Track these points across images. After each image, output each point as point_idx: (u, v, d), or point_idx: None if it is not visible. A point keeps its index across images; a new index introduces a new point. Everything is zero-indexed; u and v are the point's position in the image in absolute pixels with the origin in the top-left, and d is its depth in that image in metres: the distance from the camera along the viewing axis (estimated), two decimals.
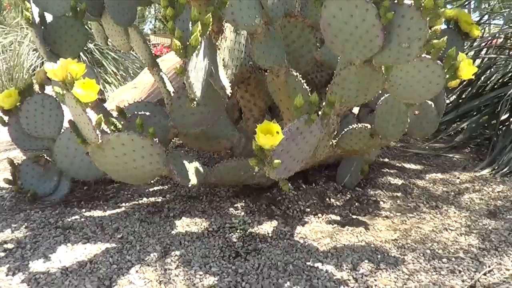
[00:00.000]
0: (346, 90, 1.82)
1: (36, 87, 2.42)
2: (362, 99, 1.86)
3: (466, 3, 4.09)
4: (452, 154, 3.05)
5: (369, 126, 2.08)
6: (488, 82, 3.51)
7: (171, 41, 1.66)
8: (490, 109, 3.32)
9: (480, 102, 3.33)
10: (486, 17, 4.14)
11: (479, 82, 3.54)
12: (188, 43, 1.60)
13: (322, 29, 1.70)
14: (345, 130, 2.11)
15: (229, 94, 1.96)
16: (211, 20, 1.67)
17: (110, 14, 2.19)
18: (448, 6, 4.19)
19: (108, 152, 1.85)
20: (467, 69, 1.76)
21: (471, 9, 4.64)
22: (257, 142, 1.52)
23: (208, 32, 1.68)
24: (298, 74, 2.00)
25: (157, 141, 1.86)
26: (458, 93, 3.55)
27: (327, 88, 1.89)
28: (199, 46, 1.63)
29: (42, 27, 2.22)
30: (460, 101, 3.48)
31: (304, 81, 2.06)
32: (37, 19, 2.21)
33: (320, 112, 1.73)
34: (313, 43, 2.28)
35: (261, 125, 1.52)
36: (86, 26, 2.31)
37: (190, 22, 1.68)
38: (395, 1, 1.61)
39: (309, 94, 2.00)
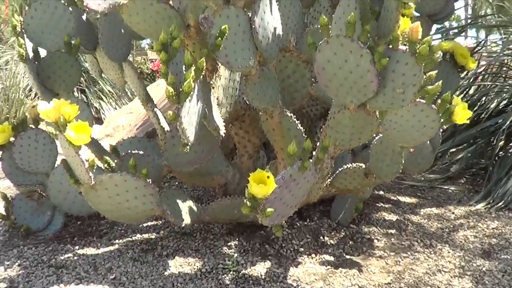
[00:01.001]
0: (340, 134, 1.81)
1: (30, 122, 2.40)
2: (356, 142, 1.86)
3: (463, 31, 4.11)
4: (448, 186, 3.04)
5: (363, 166, 2.07)
6: (484, 110, 3.51)
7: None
8: (485, 139, 3.32)
9: (476, 131, 3.32)
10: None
11: (474, 109, 3.54)
12: (181, 89, 1.59)
13: (316, 73, 1.70)
14: (339, 170, 2.10)
15: (223, 134, 1.96)
16: (204, 65, 1.67)
17: (104, 50, 2.19)
18: None
19: (101, 192, 1.84)
20: (462, 114, 1.76)
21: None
22: (249, 191, 1.51)
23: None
24: (292, 115, 1.99)
25: (150, 182, 1.86)
26: None
27: (321, 130, 1.89)
28: (192, 92, 1.63)
29: (36, 62, 2.22)
30: (456, 129, 3.47)
31: (298, 117, 2.06)
32: (31, 54, 2.20)
33: (313, 158, 1.72)
34: (308, 78, 2.28)
35: (253, 174, 1.51)
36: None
37: (184, 66, 1.68)
38: (390, 46, 1.61)
39: (304, 134, 2.00)
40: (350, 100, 1.68)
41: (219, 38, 1.70)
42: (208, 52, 1.74)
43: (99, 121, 5.25)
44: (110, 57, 2.20)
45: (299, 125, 2.00)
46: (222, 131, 1.95)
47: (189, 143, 1.69)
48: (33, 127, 2.30)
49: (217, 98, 2.07)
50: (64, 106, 1.76)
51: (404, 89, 1.61)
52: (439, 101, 1.75)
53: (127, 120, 3.84)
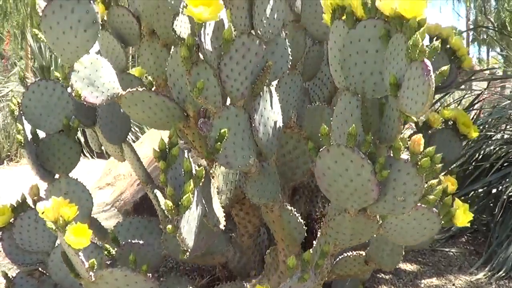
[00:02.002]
0: (341, 234, 1.81)
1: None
2: (357, 242, 1.85)
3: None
4: (449, 248, 3.03)
5: (363, 254, 2.06)
6: (485, 162, 3.49)
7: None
8: (487, 193, 3.31)
9: (478, 186, 3.30)
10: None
11: (476, 158, 3.53)
12: (180, 202, 1.59)
13: (317, 177, 1.69)
14: (340, 257, 2.09)
15: (223, 228, 1.95)
16: (203, 173, 1.66)
17: (103, 134, 2.19)
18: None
19: (102, 286, 1.84)
20: (462, 217, 1.76)
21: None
22: None
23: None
24: (292, 208, 1.99)
25: (150, 276, 1.86)
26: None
27: (319, 234, 1.88)
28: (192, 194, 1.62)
29: (35, 144, 2.21)
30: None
31: (299, 187, 2.05)
32: (30, 136, 2.20)
33: (313, 264, 1.72)
34: (309, 155, 2.27)
35: None
36: None
37: (183, 171, 1.68)
38: (391, 155, 1.61)
39: (304, 226, 2.00)
40: (351, 205, 1.68)
41: (219, 142, 1.69)
42: (207, 154, 1.74)
43: (102, 155, 5.26)
44: (109, 140, 2.20)
45: (299, 218, 2.00)
46: (222, 224, 1.95)
47: (189, 250, 1.69)
48: (33, 207, 2.29)
49: (217, 187, 2.06)
50: (63, 207, 1.76)
51: (405, 197, 1.60)
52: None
53: (128, 169, 3.84)
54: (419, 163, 1.55)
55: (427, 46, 1.49)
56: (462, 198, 3.27)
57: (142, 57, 2.20)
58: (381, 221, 1.75)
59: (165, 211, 1.58)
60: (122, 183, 3.72)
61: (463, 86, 3.87)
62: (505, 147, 3.48)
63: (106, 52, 2.25)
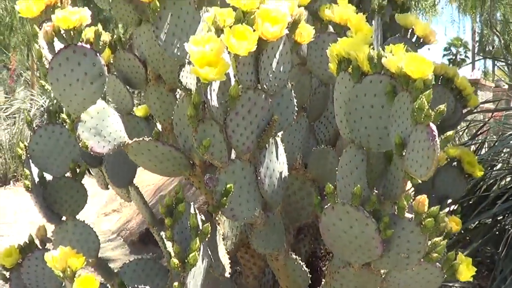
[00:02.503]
0: (344, 286, 1.82)
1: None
2: None
3: None
4: (452, 283, 3.01)
5: None
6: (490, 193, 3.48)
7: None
8: (493, 222, 3.28)
9: (482, 217, 3.28)
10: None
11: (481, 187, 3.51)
12: (186, 260, 1.60)
13: (322, 232, 1.71)
14: None
15: (228, 275, 1.96)
16: (209, 229, 1.67)
17: (109, 178, 2.20)
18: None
19: None
20: (465, 272, 1.77)
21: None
22: None
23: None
24: (297, 257, 2.00)
25: None
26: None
27: (323, 282, 1.89)
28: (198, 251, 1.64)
29: (42, 187, 2.23)
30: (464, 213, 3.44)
31: (304, 227, 2.06)
32: (37, 179, 2.21)
33: None
34: (315, 196, 2.28)
35: None
36: None
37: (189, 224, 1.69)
38: (395, 213, 1.62)
39: (309, 274, 2.01)
40: (355, 260, 1.69)
41: (225, 197, 1.70)
42: (213, 208, 1.75)
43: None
44: (115, 184, 2.21)
45: (304, 266, 2.01)
46: (228, 272, 1.96)
47: None
48: (40, 247, 2.31)
49: (222, 234, 2.07)
50: (71, 257, 1.77)
51: (408, 254, 1.62)
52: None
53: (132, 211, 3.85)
54: (423, 222, 1.56)
55: (432, 110, 1.50)
56: (467, 229, 3.27)
57: (148, 101, 2.21)
58: (384, 275, 1.76)
59: (172, 268, 1.59)
60: (128, 210, 3.73)
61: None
62: (509, 177, 3.47)
63: (112, 94, 2.27)
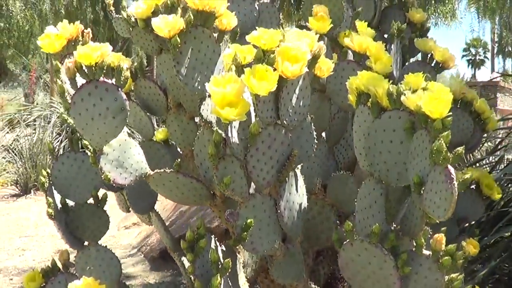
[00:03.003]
0: None
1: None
2: None
3: None
4: None
5: None
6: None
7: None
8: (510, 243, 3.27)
9: (502, 233, 3.27)
10: None
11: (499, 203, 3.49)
12: None
13: (340, 266, 1.73)
14: None
15: None
16: (230, 264, 1.70)
17: (130, 204, 2.23)
18: None
19: None
20: None
21: None
22: None
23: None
24: (316, 286, 2.01)
25: None
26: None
27: None
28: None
29: (65, 213, 2.26)
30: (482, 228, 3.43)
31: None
32: (59, 206, 2.25)
33: None
34: (333, 221, 2.30)
35: None
36: None
37: (210, 261, 1.71)
38: (413, 250, 1.64)
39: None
40: None
41: (245, 232, 1.72)
42: (233, 242, 1.77)
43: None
44: (136, 211, 2.24)
45: None
46: None
47: None
48: (63, 271, 2.34)
49: (242, 262, 2.09)
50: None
51: None
52: None
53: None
54: (441, 260, 1.58)
55: (451, 152, 1.50)
56: (485, 246, 3.25)
57: (169, 128, 2.24)
58: None
59: None
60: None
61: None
62: None
63: (133, 121, 2.30)
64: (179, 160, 2.12)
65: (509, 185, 3.60)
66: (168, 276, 3.46)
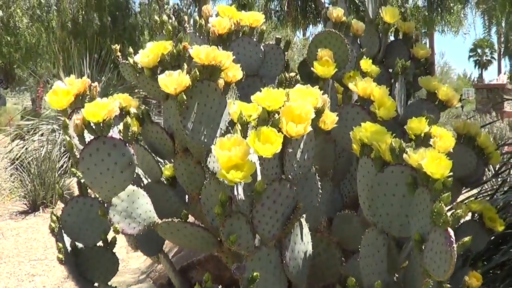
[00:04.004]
0: None
1: None
2: None
3: None
4: None
5: None
6: None
7: None
8: None
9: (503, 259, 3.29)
10: None
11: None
12: None
13: None
14: None
15: None
16: None
17: (139, 248, 2.27)
18: None
19: None
20: None
21: None
22: None
23: None
24: None
25: None
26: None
27: None
28: None
29: (75, 256, 2.30)
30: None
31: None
32: (69, 248, 2.29)
33: None
34: (338, 258, 2.33)
35: None
36: None
37: None
38: None
39: None
40: None
41: (251, 285, 1.76)
42: None
43: None
44: (145, 253, 2.28)
45: None
46: None
47: None
48: None
49: None
50: None
51: None
52: None
53: None
54: None
55: (451, 214, 1.54)
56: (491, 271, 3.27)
57: (177, 171, 2.27)
58: None
59: None
60: None
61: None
62: None
63: (141, 164, 2.33)
64: (187, 205, 2.17)
65: None
66: None
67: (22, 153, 6.34)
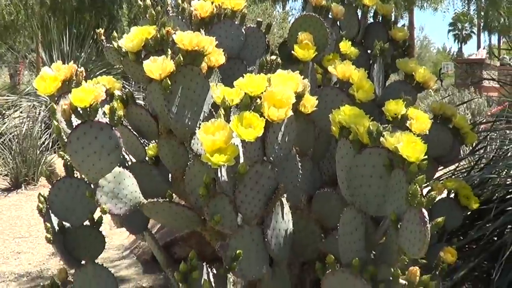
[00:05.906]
0: None
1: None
2: None
3: None
4: None
5: None
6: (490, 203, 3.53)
7: None
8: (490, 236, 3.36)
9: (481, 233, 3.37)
10: None
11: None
12: None
13: None
14: None
15: None
16: None
17: (125, 226, 2.33)
18: None
19: None
20: None
21: None
22: None
23: None
24: None
25: None
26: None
27: None
28: None
29: (62, 235, 2.35)
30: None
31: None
32: (57, 228, 2.34)
33: None
34: (318, 235, 2.41)
35: None
36: None
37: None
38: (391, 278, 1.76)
39: None
40: None
41: (234, 262, 1.84)
42: (224, 271, 1.89)
43: None
44: (130, 231, 2.34)
45: None
46: None
47: None
48: None
49: (232, 280, 2.21)
50: None
51: None
52: None
53: None
54: None
55: (424, 195, 1.62)
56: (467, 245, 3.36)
57: (160, 151, 2.32)
58: None
59: None
60: None
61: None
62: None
63: (126, 144, 2.38)
64: (170, 184, 2.23)
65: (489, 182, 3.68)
66: (161, 279, 3.58)
67: (2, 130, 6.34)
